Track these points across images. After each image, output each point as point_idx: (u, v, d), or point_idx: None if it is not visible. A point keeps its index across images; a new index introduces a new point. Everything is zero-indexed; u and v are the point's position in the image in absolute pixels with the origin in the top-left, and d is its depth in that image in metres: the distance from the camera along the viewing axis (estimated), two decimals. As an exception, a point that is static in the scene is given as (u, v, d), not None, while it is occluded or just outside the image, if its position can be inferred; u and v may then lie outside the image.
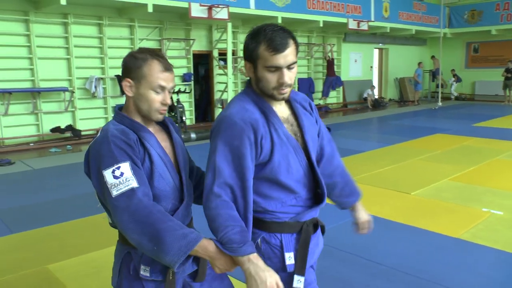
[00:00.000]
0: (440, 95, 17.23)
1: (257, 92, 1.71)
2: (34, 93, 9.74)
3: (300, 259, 1.75)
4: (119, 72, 10.79)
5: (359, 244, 3.95)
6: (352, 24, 14.49)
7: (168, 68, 1.65)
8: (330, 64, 15.37)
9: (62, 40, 10.14)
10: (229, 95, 11.96)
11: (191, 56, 12.25)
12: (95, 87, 10.33)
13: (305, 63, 15.63)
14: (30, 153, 8.99)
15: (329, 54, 15.52)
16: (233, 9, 11.07)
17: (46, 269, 3.55)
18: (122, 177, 1.54)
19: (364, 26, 14.91)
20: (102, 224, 4.54)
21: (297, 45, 1.66)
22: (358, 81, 17.44)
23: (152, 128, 1.73)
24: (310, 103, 1.92)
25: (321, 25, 13.75)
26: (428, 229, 4.32)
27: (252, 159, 1.64)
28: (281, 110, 1.76)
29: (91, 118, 10.65)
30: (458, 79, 18.68)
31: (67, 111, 10.25)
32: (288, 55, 1.60)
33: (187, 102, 12.20)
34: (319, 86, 15.90)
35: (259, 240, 1.76)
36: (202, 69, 13.76)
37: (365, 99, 16.92)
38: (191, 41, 11.98)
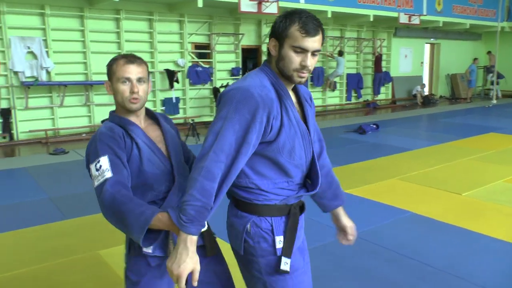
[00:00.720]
0: (494, 93, 16.54)
1: (275, 72, 1.73)
2: (87, 86, 10.10)
3: (287, 241, 1.76)
4: (168, 66, 11.01)
5: (407, 244, 3.87)
6: (403, 18, 14.13)
7: (131, 61, 1.85)
8: (378, 60, 15.08)
9: (114, 35, 10.45)
10: (276, 90, 11.96)
11: (239, 51, 12.32)
12: (145, 80, 10.56)
13: (354, 58, 15.39)
14: (83, 143, 9.32)
15: (378, 50, 15.24)
16: (282, 4, 11.04)
17: (97, 254, 3.69)
18: (100, 170, 1.76)
19: (415, 21, 14.51)
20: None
21: (323, 36, 1.69)
22: (407, 77, 17.01)
23: (143, 122, 1.96)
24: (311, 96, 1.95)
25: (371, 19, 13.50)
26: (480, 232, 4.17)
27: (257, 138, 1.65)
28: (292, 95, 1.80)
29: (140, 110, 10.89)
30: (499, 76, 17.66)
31: (118, 104, 10.54)
32: (316, 41, 1.63)
33: (235, 96, 12.27)
34: (367, 81, 15.63)
35: (248, 225, 1.76)
36: (250, 63, 13.82)
37: (415, 95, 16.50)
38: (240, 36, 12.04)
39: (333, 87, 14.49)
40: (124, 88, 1.85)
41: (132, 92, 1.84)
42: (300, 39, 1.62)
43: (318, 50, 1.66)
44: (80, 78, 10.11)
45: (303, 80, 1.69)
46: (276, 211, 1.77)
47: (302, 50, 1.63)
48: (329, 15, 12.30)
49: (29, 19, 9.44)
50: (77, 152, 8.26)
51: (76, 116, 10.14)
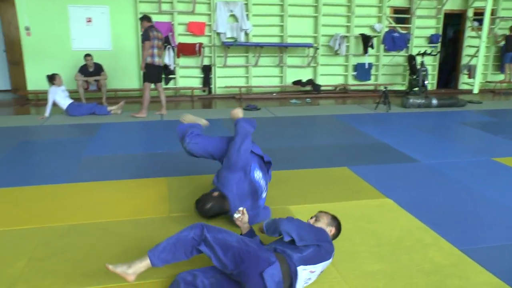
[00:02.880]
0: None
1: None
2: (281, 48, 10.36)
3: None
4: (364, 30, 10.69)
5: None
6: None
7: None
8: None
9: (311, -1, 10.47)
10: (480, 61, 10.73)
11: (441, 16, 11.30)
12: (339, 44, 10.44)
13: None
14: (273, 102, 9.68)
15: None
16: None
17: (287, 209, 3.73)
18: None
19: None
20: (339, 178, 4.57)
21: None
22: None
23: None
24: None
25: None
26: None
27: None
28: None
29: (331, 74, 10.87)
30: None
31: (309, 66, 10.65)
32: None
33: (431, 65, 11.41)
34: None
35: None
36: (450, 30, 12.63)
37: None
38: (444, 0, 11.02)
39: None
40: None
41: None
42: None
43: None
44: (276, 40, 10.42)
45: None
46: None
47: None
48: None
49: (234, -16, 9.99)
50: (268, 109, 8.58)
51: (268, 76, 10.54)
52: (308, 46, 10.35)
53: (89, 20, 9.67)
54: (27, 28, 9.40)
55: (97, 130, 6.68)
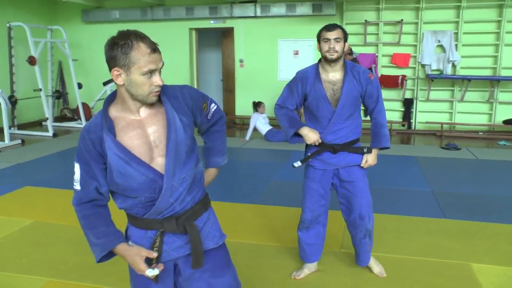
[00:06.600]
0: None
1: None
2: (493, 82, 9.42)
3: None
4: None
5: None
6: None
7: (154, 49, 1.54)
8: None
9: (534, 25, 9.32)
10: None
11: None
12: None
13: None
14: (477, 142, 8.83)
15: None
16: None
17: (468, 266, 3.36)
18: (74, 176, 1.67)
19: None
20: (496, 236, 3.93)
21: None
22: None
23: (145, 112, 1.64)
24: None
25: None
26: None
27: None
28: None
29: (552, 114, 9.46)
30: None
31: (525, 104, 9.45)
32: None
33: None
34: None
35: None
36: None
37: None
38: None
39: None
40: (148, 82, 1.56)
41: (156, 85, 1.58)
42: None
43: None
44: (487, 72, 9.53)
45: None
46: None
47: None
48: None
49: (443, 13, 9.49)
50: (470, 150, 7.86)
51: (475, 112, 9.67)
52: (526, 80, 9.21)
53: (296, 53, 10.30)
54: (241, 60, 10.48)
55: (289, 156, 7.03)
